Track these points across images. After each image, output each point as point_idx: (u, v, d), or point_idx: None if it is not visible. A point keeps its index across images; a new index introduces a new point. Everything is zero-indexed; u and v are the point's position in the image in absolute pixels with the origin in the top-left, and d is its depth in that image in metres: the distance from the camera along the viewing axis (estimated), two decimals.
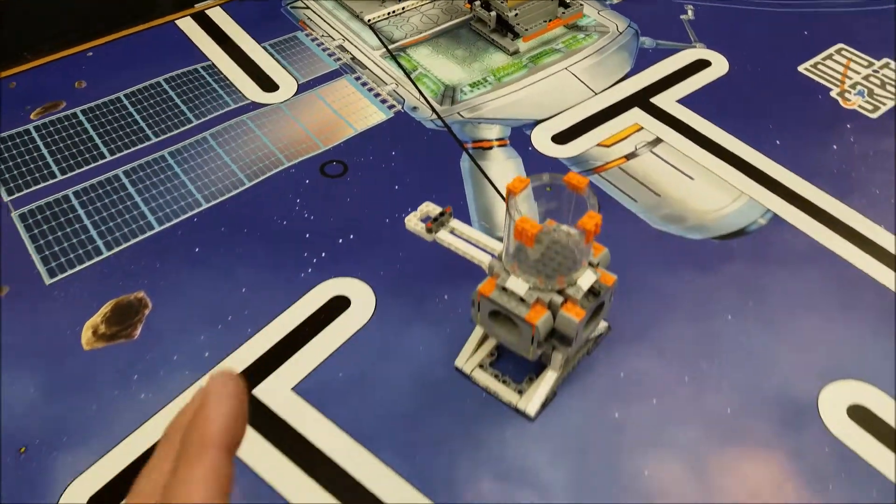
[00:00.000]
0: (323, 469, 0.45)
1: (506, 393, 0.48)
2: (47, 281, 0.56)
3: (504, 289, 0.42)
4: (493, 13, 0.76)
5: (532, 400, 0.48)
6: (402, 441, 0.47)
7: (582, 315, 0.42)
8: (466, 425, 0.48)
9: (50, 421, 0.48)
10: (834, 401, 0.49)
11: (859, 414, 0.48)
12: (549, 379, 0.48)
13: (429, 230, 0.48)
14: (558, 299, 0.42)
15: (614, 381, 0.50)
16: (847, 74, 0.74)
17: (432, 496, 0.44)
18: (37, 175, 0.63)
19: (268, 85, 0.72)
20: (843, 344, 0.52)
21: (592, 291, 0.42)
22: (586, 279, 0.42)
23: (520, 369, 0.50)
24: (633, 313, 0.53)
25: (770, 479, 0.45)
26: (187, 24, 0.80)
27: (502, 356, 0.51)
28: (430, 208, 0.50)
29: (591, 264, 0.43)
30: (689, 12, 0.82)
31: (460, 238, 0.49)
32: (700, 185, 0.63)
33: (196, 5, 0.82)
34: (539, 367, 0.49)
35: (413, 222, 0.49)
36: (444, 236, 0.48)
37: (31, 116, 0.68)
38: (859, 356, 0.51)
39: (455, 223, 0.49)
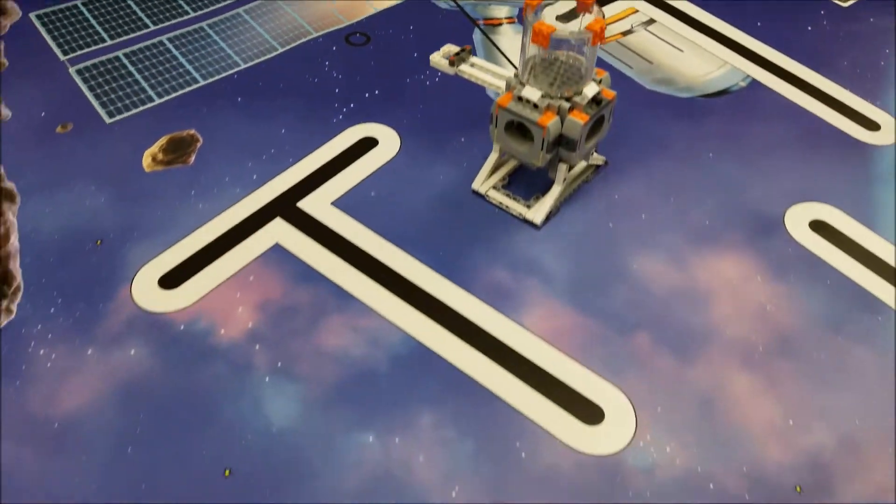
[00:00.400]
0: (359, 259, 0.52)
1: (516, 207, 0.55)
2: (107, 121, 0.62)
3: (520, 98, 0.49)
4: None
5: (539, 211, 0.55)
6: (426, 241, 0.54)
7: (586, 119, 0.49)
8: (482, 232, 0.55)
9: (121, 222, 0.54)
10: (798, 217, 0.56)
11: (819, 227, 0.56)
12: (553, 193, 0.55)
13: (451, 63, 0.55)
14: (566, 105, 0.49)
15: (609, 201, 0.57)
16: None
17: (453, 278, 0.51)
18: (88, 40, 0.69)
19: None
20: (808, 176, 0.60)
21: (595, 100, 0.49)
22: (590, 89, 0.49)
23: (529, 191, 0.57)
24: (628, 152, 0.60)
25: (741, 272, 0.53)
26: None
27: (513, 181, 0.58)
28: (451, 48, 0.56)
29: (594, 81, 0.50)
30: None
31: (479, 70, 0.55)
32: (689, 56, 0.69)
33: None
34: (545, 188, 0.56)
35: (437, 58, 0.56)
36: (464, 69, 0.55)
37: None
38: (822, 184, 0.59)
39: (474, 59, 0.56)
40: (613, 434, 0.44)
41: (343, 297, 0.50)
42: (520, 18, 0.73)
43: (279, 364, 0.47)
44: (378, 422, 0.45)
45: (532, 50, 0.49)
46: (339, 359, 0.47)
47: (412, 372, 0.47)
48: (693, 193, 0.58)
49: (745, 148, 0.61)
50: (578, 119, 0.48)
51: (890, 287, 0.52)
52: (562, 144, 0.51)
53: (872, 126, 0.64)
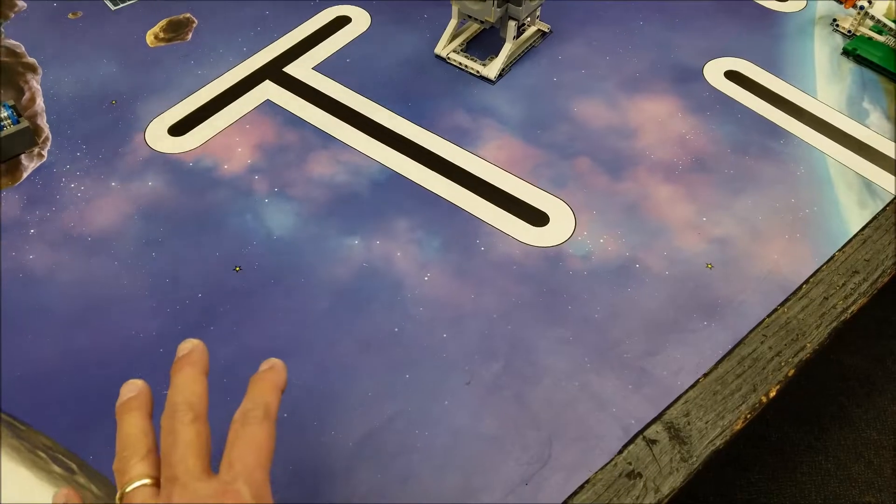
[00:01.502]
0: (338, 109, 0.58)
1: (473, 65, 0.61)
2: (112, 8, 0.67)
3: None
4: None
5: (492, 67, 0.61)
6: (396, 95, 0.60)
7: None
8: (444, 87, 0.61)
9: (132, 86, 0.60)
10: (715, 68, 0.63)
11: (734, 76, 0.63)
12: (504, 50, 0.61)
13: None
14: None
15: (553, 60, 0.63)
16: None
17: (419, 122, 0.58)
18: None
19: None
20: (726, 37, 0.66)
21: None
22: None
23: (484, 53, 0.63)
24: (570, 22, 0.66)
25: (664, 110, 0.60)
26: None
27: (470, 46, 0.64)
28: None
29: None
30: None
31: None
32: None
33: None
34: (498, 51, 0.62)
35: None
36: None
37: None
38: (738, 44, 0.66)
39: None
40: (556, 231, 0.52)
41: (326, 139, 0.57)
42: None
43: (275, 189, 0.53)
44: (361, 229, 0.51)
45: None
46: (327, 184, 0.54)
47: (388, 192, 0.53)
48: (625, 53, 0.64)
49: (671, 16, 0.68)
50: None
51: (792, 119, 0.59)
52: (507, 1, 0.57)
53: (780, 0, 0.70)
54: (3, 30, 0.65)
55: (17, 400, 0.43)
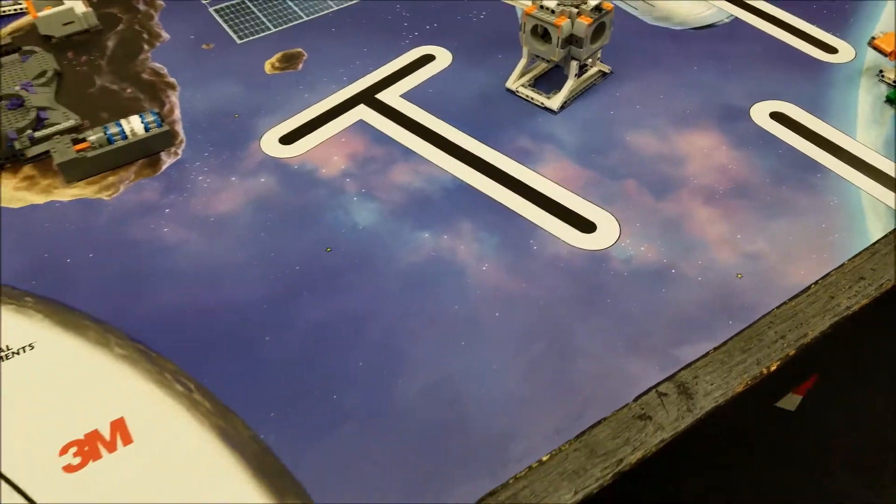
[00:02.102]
0: (420, 129, 0.69)
1: (539, 98, 0.71)
2: (238, 42, 0.80)
3: (541, 7, 0.65)
4: None
5: (556, 100, 0.70)
6: (470, 120, 0.70)
7: (590, 21, 0.64)
8: (512, 116, 0.71)
9: (251, 104, 0.72)
10: (761, 109, 0.70)
11: (778, 117, 0.70)
12: (567, 85, 0.70)
13: None
14: (575, 11, 0.65)
15: (611, 97, 0.72)
16: None
17: (489, 143, 0.67)
18: None
19: None
20: (775, 83, 0.74)
21: (597, 8, 0.65)
22: (594, 1, 0.65)
23: (549, 88, 0.72)
24: (629, 65, 0.75)
25: (710, 143, 0.67)
26: None
27: (537, 83, 0.74)
28: None
29: None
30: None
31: None
32: (683, 1, 0.84)
33: None
34: (562, 86, 0.71)
35: None
36: None
37: None
38: (785, 89, 0.73)
39: None
40: (601, 238, 0.59)
41: (408, 153, 0.67)
42: None
43: (363, 190, 0.64)
44: (432, 226, 0.61)
45: None
46: (405, 189, 0.64)
47: (457, 198, 0.63)
48: (678, 93, 0.72)
49: (724, 63, 0.76)
50: (584, 21, 0.64)
51: (830, 156, 0.66)
52: (572, 42, 0.66)
53: (831, 50, 0.77)
54: (150, 55, 0.80)
55: (150, 335, 0.53)
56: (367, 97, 0.73)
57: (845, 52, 0.77)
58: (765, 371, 0.46)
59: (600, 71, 0.73)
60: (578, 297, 0.55)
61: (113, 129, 0.66)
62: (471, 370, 0.51)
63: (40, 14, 0.80)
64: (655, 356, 0.51)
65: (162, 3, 0.87)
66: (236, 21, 0.83)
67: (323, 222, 0.61)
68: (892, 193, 0.63)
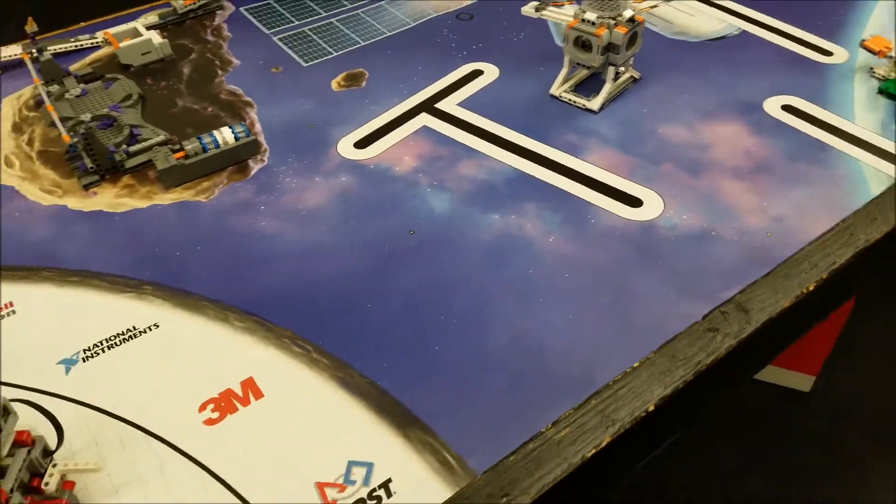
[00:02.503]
0: (478, 131, 0.79)
1: (581, 101, 0.81)
2: (304, 65, 0.91)
3: (583, 20, 0.76)
4: None
5: (596, 101, 0.80)
6: (521, 122, 0.80)
7: (625, 30, 0.75)
8: (558, 117, 0.81)
9: (324, 116, 0.82)
10: (773, 103, 0.81)
11: (788, 108, 0.80)
12: (605, 88, 0.80)
13: (536, 10, 0.82)
14: (612, 22, 0.75)
15: (642, 98, 0.83)
16: None
17: (540, 139, 0.77)
18: (281, 22, 0.99)
19: None
20: (782, 82, 0.84)
21: (631, 20, 0.75)
22: (627, 13, 0.75)
23: (589, 93, 0.83)
24: (655, 72, 0.86)
25: (732, 132, 0.77)
26: None
27: (577, 89, 0.84)
28: (534, 3, 0.83)
29: (630, 9, 0.77)
30: None
31: (554, 12, 0.82)
32: (697, 18, 0.95)
33: None
34: (599, 92, 0.81)
35: (527, 9, 0.83)
36: (545, 13, 0.82)
37: None
38: (791, 86, 0.83)
39: (551, 8, 0.83)
40: (648, 211, 0.69)
41: (470, 151, 0.77)
42: None
43: (434, 183, 0.73)
44: (499, 209, 0.70)
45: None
46: (472, 180, 0.73)
47: (518, 186, 0.72)
48: (700, 92, 0.83)
49: (737, 66, 0.86)
50: (620, 31, 0.75)
51: (834, 137, 0.76)
52: (610, 50, 0.77)
53: (827, 53, 0.88)
54: (224, 79, 0.89)
55: (264, 310, 0.61)
56: (428, 107, 0.83)
57: (839, 54, 0.88)
58: (804, 290, 0.55)
59: (632, 77, 0.84)
60: (634, 258, 0.64)
61: (207, 139, 0.75)
62: (549, 322, 0.59)
63: (122, 45, 0.90)
64: (706, 299, 0.60)
65: (229, 34, 0.97)
66: (299, 47, 0.94)
67: (403, 210, 0.70)
68: (888, 164, 0.73)
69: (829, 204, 0.69)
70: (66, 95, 0.84)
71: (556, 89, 0.83)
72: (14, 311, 0.62)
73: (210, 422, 0.54)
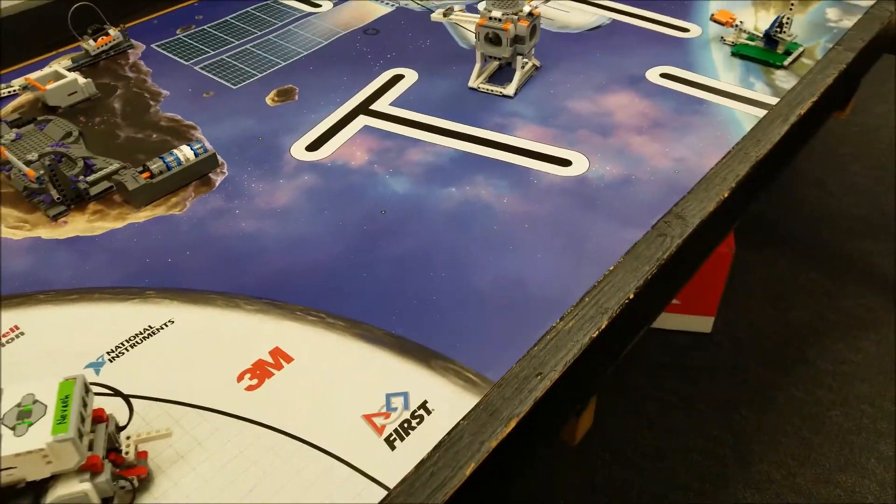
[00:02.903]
0: (416, 125, 0.89)
1: (497, 89, 0.94)
2: (234, 88, 0.97)
3: (490, 17, 0.89)
4: None
5: (510, 88, 0.93)
6: (450, 112, 0.91)
7: (527, 23, 0.89)
8: (481, 105, 0.93)
9: (269, 128, 0.89)
10: (653, 72, 0.98)
11: (666, 75, 0.97)
12: (516, 76, 0.94)
13: (444, 15, 0.94)
14: (515, 18, 0.89)
15: (546, 82, 0.97)
16: None
17: (471, 123, 0.89)
18: (197, 54, 1.05)
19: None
20: (654, 56, 1.01)
21: (530, 14, 0.89)
22: (526, 8, 0.89)
23: (501, 81, 0.96)
24: (550, 60, 1.01)
25: (627, 99, 0.93)
26: None
27: (491, 79, 0.97)
28: (440, 10, 0.96)
29: (528, 5, 0.91)
30: None
31: (461, 15, 0.94)
32: (573, 14, 1.12)
33: None
34: (510, 79, 0.94)
35: (437, 15, 0.95)
36: (453, 17, 0.94)
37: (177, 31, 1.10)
38: (664, 58, 1.01)
39: (456, 11, 0.95)
40: (578, 168, 0.82)
41: (413, 141, 0.87)
42: None
43: (390, 170, 0.82)
44: (454, 183, 0.80)
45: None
46: (422, 164, 0.83)
47: (464, 163, 0.83)
48: (592, 73, 0.98)
49: (616, 48, 1.03)
50: (523, 23, 0.88)
51: (707, 93, 0.93)
52: (517, 42, 0.90)
53: (685, 30, 1.07)
54: (159, 108, 0.94)
55: (270, 291, 0.68)
56: (363, 109, 0.92)
57: (695, 29, 1.07)
58: (722, 197, 0.70)
59: (534, 65, 0.98)
60: (576, 205, 0.77)
61: (169, 158, 0.80)
62: (521, 261, 0.70)
63: (48, 87, 0.93)
64: (640, 225, 0.73)
65: (149, 69, 1.02)
66: (224, 73, 1.00)
67: (368, 196, 0.79)
68: (753, 107, 0.91)
69: (715, 143, 0.85)
70: (1, 142, 0.86)
71: (473, 82, 0.95)
72: (22, 333, 0.64)
73: (251, 388, 0.59)
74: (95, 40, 1.03)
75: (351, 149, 0.86)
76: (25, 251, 0.73)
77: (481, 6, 0.91)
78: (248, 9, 1.18)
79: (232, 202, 0.79)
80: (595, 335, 0.57)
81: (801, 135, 0.91)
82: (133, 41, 1.08)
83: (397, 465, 0.54)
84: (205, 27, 1.13)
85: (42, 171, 0.76)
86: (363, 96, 0.95)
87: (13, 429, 0.45)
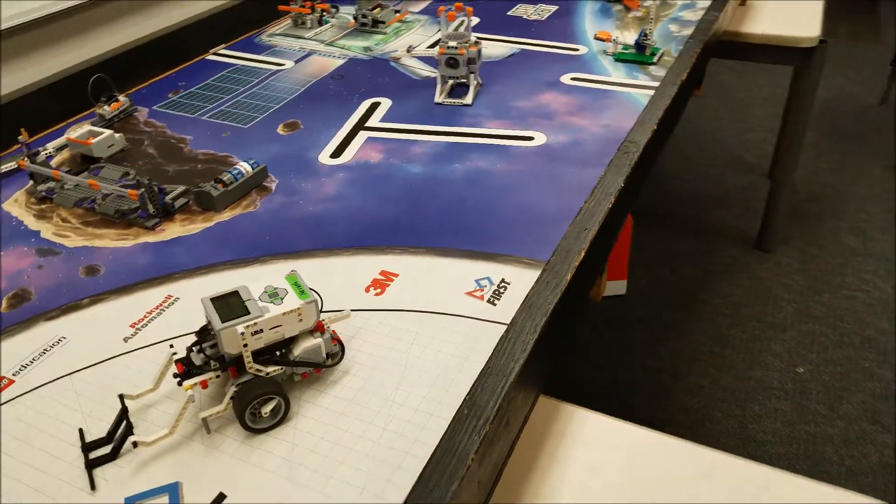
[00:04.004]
0: (403, 130, 1.18)
1: (458, 101, 1.26)
2: (245, 127, 1.21)
3: (448, 46, 1.21)
4: None
5: (468, 98, 1.25)
6: (430, 119, 1.21)
7: (476, 48, 1.22)
8: (449, 113, 1.24)
9: (289, 149, 1.14)
10: (566, 78, 1.34)
11: (577, 78, 1.34)
12: (471, 90, 1.26)
13: (408, 50, 1.25)
14: (466, 45, 1.22)
15: (492, 92, 1.30)
16: None
17: (447, 125, 1.19)
18: (195, 109, 1.28)
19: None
20: (561, 68, 1.38)
21: (476, 42, 1.23)
22: (472, 38, 1.23)
23: (460, 95, 1.27)
24: (489, 77, 1.34)
25: (553, 97, 1.28)
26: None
27: (451, 94, 1.28)
28: (402, 49, 1.26)
29: (471, 40, 1.24)
30: None
31: (422, 51, 1.26)
32: (490, 47, 1.47)
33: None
34: (465, 93, 1.26)
35: (400, 53, 1.25)
36: (415, 51, 1.25)
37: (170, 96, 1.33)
38: (567, 68, 1.38)
39: (416, 49, 1.26)
40: (540, 140, 1.15)
41: (412, 141, 1.16)
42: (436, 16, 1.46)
43: (404, 161, 1.10)
44: (456, 161, 1.10)
45: (448, 30, 1.21)
46: (426, 154, 1.12)
47: (456, 148, 1.13)
48: (522, 83, 1.33)
49: (537, 64, 1.39)
50: (473, 48, 1.22)
51: (609, 86, 1.31)
52: (470, 63, 1.23)
53: (577, 49, 1.46)
54: (189, 147, 1.16)
55: (354, 240, 0.92)
56: (361, 126, 1.20)
57: (583, 48, 1.47)
58: (654, 127, 1.05)
59: (479, 82, 1.31)
60: (548, 162, 1.09)
61: (235, 171, 1.03)
62: (527, 199, 1.00)
63: (94, 141, 1.13)
64: (598, 165, 1.06)
65: (162, 123, 1.24)
66: (231, 118, 1.24)
67: (396, 178, 1.06)
68: (643, 90, 1.29)
69: (627, 112, 1.22)
70: (65, 187, 1.04)
71: (438, 98, 1.26)
72: (177, 299, 0.84)
73: (378, 294, 0.84)
74: (109, 105, 1.24)
75: (366, 152, 1.13)
76: (140, 252, 0.93)
77: (444, 37, 1.23)
78: (223, 72, 1.42)
79: (292, 197, 1.03)
80: (609, 207, 0.89)
81: (679, 103, 1.30)
82: (136, 105, 1.29)
83: (501, 313, 0.80)
84: (192, 90, 1.36)
85: (143, 189, 0.96)
86: (355, 119, 1.23)
87: (271, 303, 0.68)
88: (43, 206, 1.03)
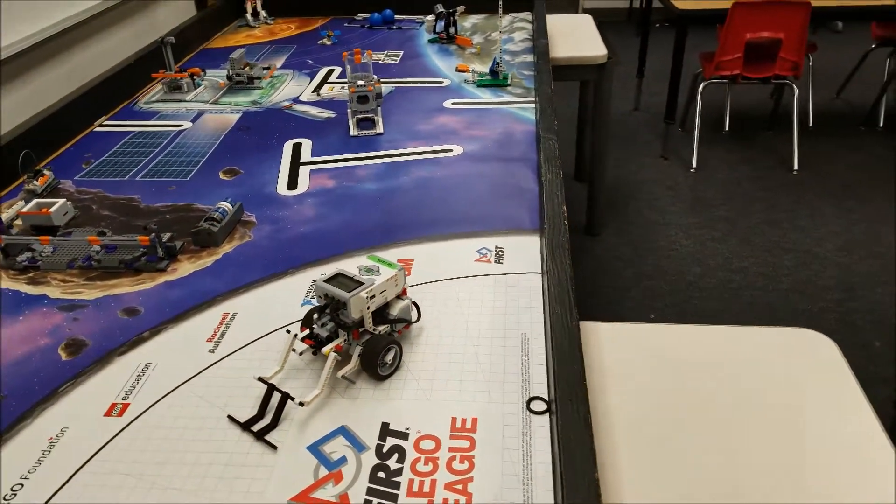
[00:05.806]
0: (340, 161, 1.40)
1: (371, 131, 1.50)
2: (186, 179, 1.34)
3: (358, 85, 1.46)
4: None
5: (378, 127, 1.50)
6: (350, 149, 1.44)
7: (379, 84, 1.48)
8: (366, 141, 1.47)
9: (240, 189, 1.30)
10: (448, 104, 1.64)
11: (456, 103, 1.65)
12: (379, 121, 1.51)
13: (318, 94, 1.46)
14: (372, 82, 1.47)
15: (391, 122, 1.56)
16: None
17: (368, 151, 1.43)
18: (117, 173, 1.38)
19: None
20: (442, 98, 1.69)
21: (379, 80, 1.49)
22: (375, 77, 1.49)
23: (369, 128, 1.52)
24: (383, 112, 1.60)
25: (448, 118, 1.58)
26: None
27: (360, 128, 1.52)
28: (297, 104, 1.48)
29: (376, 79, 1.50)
30: None
31: (337, 91, 1.48)
32: (382, 83, 1.74)
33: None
34: (375, 126, 1.51)
35: (289, 103, 1.47)
36: (328, 92, 1.47)
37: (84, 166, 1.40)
38: (449, 98, 1.69)
39: (328, 93, 1.48)
40: (458, 150, 1.43)
41: (350, 168, 1.37)
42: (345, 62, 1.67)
43: (356, 182, 1.32)
44: (403, 174, 1.34)
45: (353, 74, 1.46)
46: (371, 174, 1.35)
47: (394, 165, 1.37)
48: (412, 113, 1.61)
49: (411, 100, 1.68)
50: (378, 85, 1.47)
51: (489, 106, 1.63)
52: (377, 97, 1.48)
53: (443, 82, 1.78)
54: (142, 203, 1.27)
55: (357, 244, 1.12)
56: (298, 163, 1.39)
57: (447, 80, 1.78)
58: (553, 139, 1.38)
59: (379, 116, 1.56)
60: (474, 162, 1.37)
61: (220, 210, 1.17)
62: (472, 190, 1.27)
63: (52, 210, 1.19)
64: (526, 161, 1.37)
65: (97, 189, 1.32)
66: (167, 174, 1.36)
67: (360, 195, 1.28)
68: (514, 105, 1.63)
69: (513, 122, 1.55)
70: (43, 254, 1.12)
71: (353, 131, 1.49)
72: (236, 314, 0.98)
73: (408, 274, 1.05)
74: (37, 180, 1.29)
75: (318, 181, 1.33)
76: (166, 290, 1.04)
77: (352, 77, 1.47)
78: (125, 139, 1.52)
79: (277, 224, 1.20)
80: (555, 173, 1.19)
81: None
82: (59, 179, 1.36)
83: (510, 267, 1.06)
84: (104, 157, 1.44)
85: (153, 235, 1.07)
86: (287, 158, 1.42)
87: (372, 276, 0.87)
88: (31, 275, 1.09)
